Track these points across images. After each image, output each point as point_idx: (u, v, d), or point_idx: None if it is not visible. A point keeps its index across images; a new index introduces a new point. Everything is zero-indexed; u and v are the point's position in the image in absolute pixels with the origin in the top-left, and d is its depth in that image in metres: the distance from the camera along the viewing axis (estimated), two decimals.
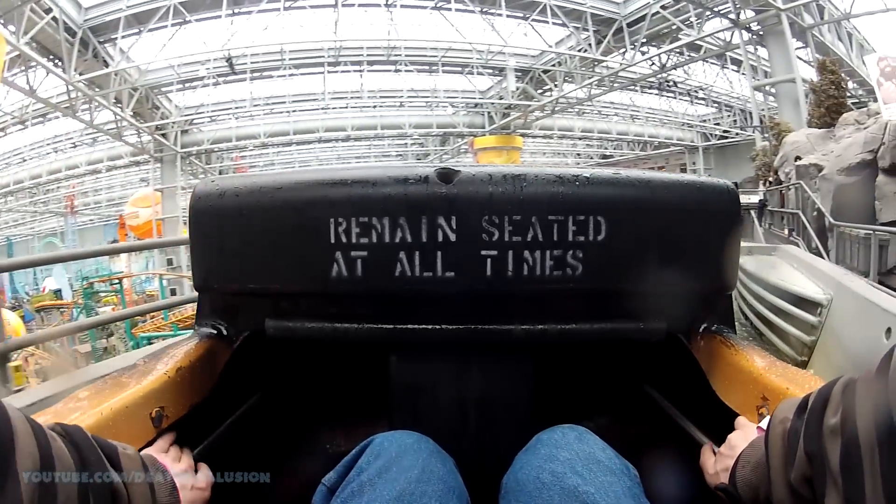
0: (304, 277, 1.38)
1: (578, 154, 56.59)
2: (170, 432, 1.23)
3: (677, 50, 36.10)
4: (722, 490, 1.03)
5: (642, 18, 33.92)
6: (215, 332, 1.51)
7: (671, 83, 42.36)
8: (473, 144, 45.43)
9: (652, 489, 1.08)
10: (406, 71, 39.96)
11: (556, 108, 42.78)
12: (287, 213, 1.35)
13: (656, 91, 45.69)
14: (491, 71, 42.17)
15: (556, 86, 39.81)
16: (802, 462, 0.78)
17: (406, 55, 38.09)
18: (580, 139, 52.31)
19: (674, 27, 33.55)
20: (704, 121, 50.29)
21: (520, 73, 41.91)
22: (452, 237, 1.31)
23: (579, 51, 35.47)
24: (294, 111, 41.68)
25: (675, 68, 39.27)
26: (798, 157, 17.98)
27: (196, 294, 1.55)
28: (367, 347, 1.55)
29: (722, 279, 1.45)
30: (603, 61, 37.03)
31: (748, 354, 1.34)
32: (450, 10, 33.25)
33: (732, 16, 28.52)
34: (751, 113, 40.12)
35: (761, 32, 28.68)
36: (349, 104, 41.38)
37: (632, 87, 43.72)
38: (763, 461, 0.91)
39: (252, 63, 35.68)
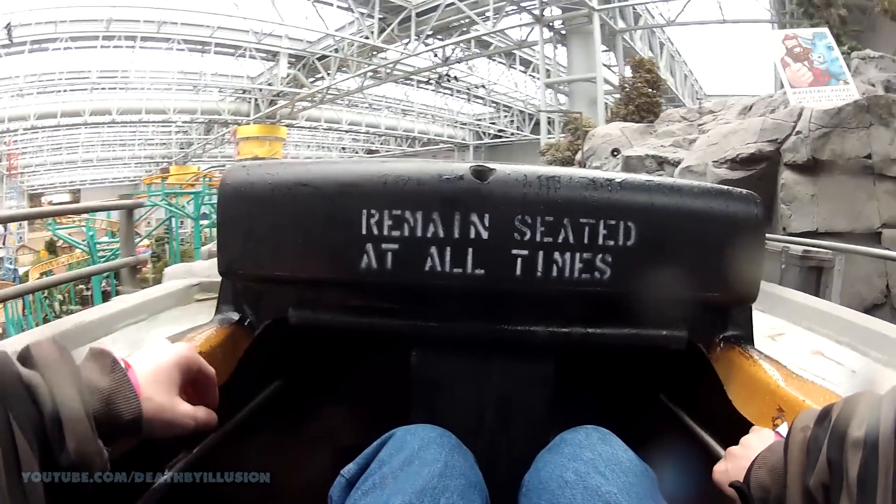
0: (332, 267, 1.34)
1: (344, 147, 56.68)
2: None
3: (464, 44, 37.10)
4: (736, 488, 0.99)
5: (434, 9, 34.41)
6: (237, 318, 1.48)
7: (451, 78, 42.41)
8: (236, 134, 44.73)
9: (667, 495, 1.07)
10: (178, 49, 38.43)
11: (326, 98, 42.64)
12: (319, 202, 1.31)
13: (433, 87, 46.39)
14: (264, 55, 41.19)
15: (328, 74, 39.49)
16: (823, 469, 0.77)
17: (179, 32, 36.65)
18: (346, 132, 52.53)
19: (466, 20, 34.31)
20: (480, 119, 51.95)
21: (293, 59, 41.44)
22: (484, 235, 1.28)
23: (361, 37, 35.48)
24: (65, 90, 39.33)
25: (458, 62, 40.23)
26: (616, 150, 17.52)
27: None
28: (390, 341, 1.53)
29: (745, 290, 1.42)
30: (383, 50, 37.29)
31: (766, 366, 1.33)
32: None
33: (536, 11, 29.53)
34: (529, 114, 40.85)
35: (563, 32, 29.96)
36: (118, 84, 39.67)
37: (408, 81, 44.54)
38: (779, 465, 0.90)
39: (25, 36, 33.44)
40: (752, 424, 1.22)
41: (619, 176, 1.34)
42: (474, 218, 1.28)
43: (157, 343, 1.00)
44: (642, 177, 1.39)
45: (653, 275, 1.31)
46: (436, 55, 38.56)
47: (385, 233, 1.28)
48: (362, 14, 35.20)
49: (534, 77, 43.82)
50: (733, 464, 1.05)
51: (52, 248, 38.05)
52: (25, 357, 0.74)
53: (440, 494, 0.94)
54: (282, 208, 1.33)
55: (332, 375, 1.84)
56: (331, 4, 34.21)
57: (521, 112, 48.53)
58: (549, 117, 30.82)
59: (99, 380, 0.80)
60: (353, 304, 1.48)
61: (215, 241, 1.46)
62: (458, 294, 1.37)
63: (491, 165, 1.31)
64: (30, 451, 0.66)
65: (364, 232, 1.28)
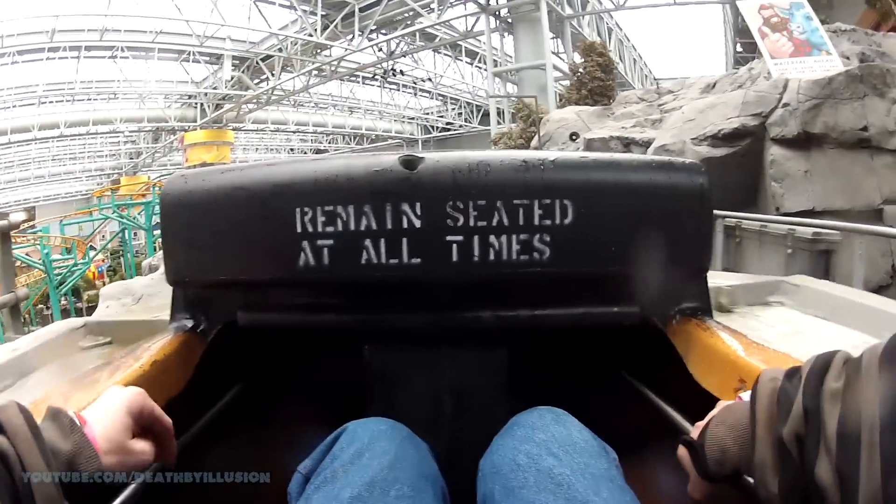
0: (272, 267, 1.35)
1: (292, 149, 55.47)
2: None
3: (409, 37, 36.54)
4: (687, 443, 0.96)
5: (377, 2, 33.64)
6: (190, 324, 1.46)
7: (396, 73, 41.79)
8: (183, 140, 43.66)
9: (631, 473, 1.06)
10: (122, 57, 37.53)
11: (272, 99, 41.77)
12: (253, 204, 1.31)
13: (378, 83, 45.90)
14: (208, 58, 40.17)
15: (273, 75, 38.68)
16: (798, 418, 0.74)
17: (122, 39, 35.70)
18: (294, 132, 51.84)
19: (410, 13, 33.73)
20: (428, 113, 51.51)
21: (237, 61, 40.36)
22: (417, 223, 1.27)
23: (304, 35, 34.75)
24: (11, 106, 38.56)
25: (403, 55, 39.69)
26: (575, 134, 16.42)
27: None
28: (341, 337, 1.57)
29: (695, 260, 1.42)
30: (327, 46, 36.49)
31: (725, 337, 1.32)
32: None
33: (482, 0, 28.75)
34: (477, 106, 39.75)
35: (510, 20, 29.25)
36: (64, 97, 38.94)
37: (354, 78, 43.85)
38: (741, 421, 0.86)
39: None
40: (715, 397, 1.19)
41: (552, 154, 1.31)
42: (405, 207, 1.26)
43: (109, 391, 0.98)
44: (576, 154, 1.39)
45: (594, 251, 1.30)
46: (380, 49, 37.89)
47: (319, 229, 1.27)
48: (305, 12, 34.37)
49: (480, 68, 43.55)
50: (694, 432, 1.00)
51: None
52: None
53: (390, 486, 0.93)
54: (220, 213, 1.32)
55: (290, 376, 1.81)
56: (273, 3, 33.50)
57: (469, 104, 48.01)
58: (498, 107, 29.97)
59: (61, 443, 0.81)
60: (299, 302, 1.48)
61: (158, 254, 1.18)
62: (399, 285, 1.34)
63: (420, 154, 1.29)
64: None
65: (299, 230, 1.27)
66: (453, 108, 49.53)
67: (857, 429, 0.65)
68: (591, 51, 23.35)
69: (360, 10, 34.00)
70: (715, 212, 7.92)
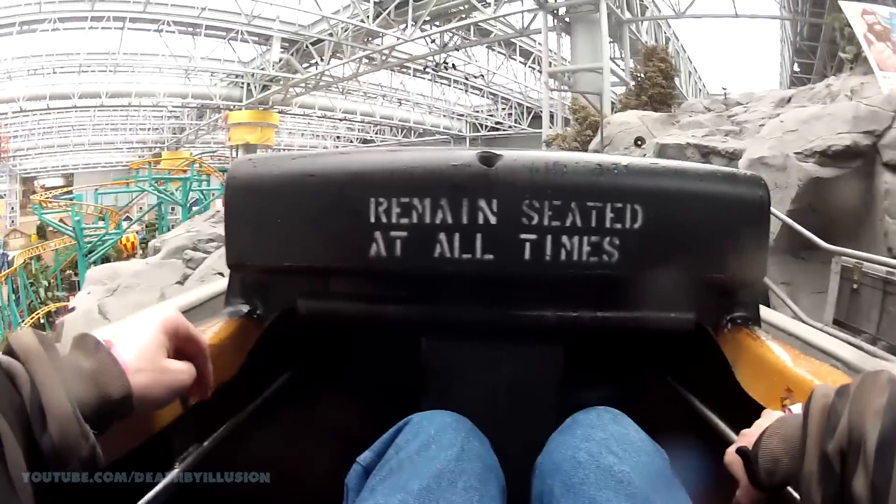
0: (342, 256, 1.33)
1: (338, 136, 54.19)
2: (195, 410, 1.13)
3: (463, 31, 34.79)
4: (743, 454, 0.94)
5: None
6: (246, 310, 1.45)
7: (448, 66, 40.34)
8: (227, 119, 42.41)
9: (677, 477, 1.05)
10: (167, 32, 36.27)
11: (320, 84, 40.46)
12: (327, 191, 1.30)
13: (429, 76, 44.36)
14: (256, 38, 38.83)
15: (322, 60, 37.14)
16: (843, 434, 0.73)
17: (168, 13, 34.66)
18: (341, 120, 49.99)
19: (465, 6, 32.00)
20: (478, 111, 49.72)
21: (286, 44, 38.89)
22: (493, 220, 1.27)
23: (356, 20, 33.10)
24: (53, 72, 37.77)
25: (456, 49, 37.98)
26: (640, 139, 15.23)
27: None
28: (400, 329, 1.50)
29: (750, 271, 1.41)
30: (379, 34, 34.96)
31: (774, 347, 1.29)
32: None
33: None
34: (528, 107, 37.95)
35: (567, 20, 27.72)
36: (107, 67, 37.97)
37: (404, 69, 42.38)
38: (793, 434, 0.85)
39: (12, 17, 32.07)
40: (760, 406, 1.20)
41: (625, 160, 1.33)
42: (482, 203, 1.26)
43: (144, 312, 1.00)
44: (647, 160, 1.41)
45: (660, 257, 1.30)
46: (433, 41, 35.94)
47: (393, 220, 1.27)
48: None
49: (533, 69, 42.07)
50: (743, 440, 0.99)
51: (42, 232, 35.98)
52: (6, 349, 0.73)
53: (457, 478, 0.93)
54: (289, 199, 1.32)
55: (341, 365, 1.76)
56: None
57: (520, 105, 46.11)
58: (551, 111, 28.32)
59: (83, 362, 0.76)
60: (362, 292, 1.49)
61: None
62: (467, 280, 1.34)
63: (498, 151, 1.29)
64: (13, 438, 0.64)
65: (372, 220, 1.27)
66: (503, 108, 47.65)
67: (893, 444, 0.65)
68: (654, 55, 21.85)
69: None
70: (830, 247, 7.11)
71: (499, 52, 42.50)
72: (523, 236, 1.25)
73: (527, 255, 1.26)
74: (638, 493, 0.88)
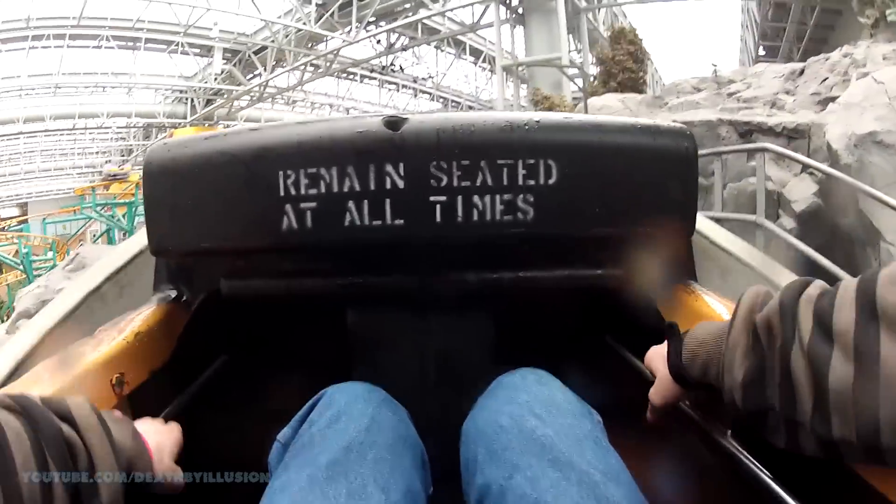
0: (255, 233, 1.29)
1: None
2: (130, 399, 1.17)
3: (411, 30, 32.06)
4: (669, 326, 1.03)
5: None
6: (173, 294, 1.43)
7: (395, 68, 38.41)
8: (171, 137, 37.38)
9: (613, 437, 1.01)
10: (107, 47, 33.70)
11: (265, 96, 37.54)
12: (236, 169, 1.25)
13: (377, 81, 41.91)
14: (198, 50, 35.98)
15: (265, 69, 34.32)
16: (773, 308, 0.76)
17: (107, 24, 31.89)
18: None
19: (412, 3, 29.37)
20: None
21: (229, 54, 36.30)
22: (401, 184, 1.22)
23: (297, 21, 30.35)
24: None
25: (403, 49, 35.56)
26: None
27: None
28: (325, 302, 1.53)
29: (681, 224, 1.34)
30: (322, 38, 32.39)
31: (710, 301, 1.28)
32: None
33: None
34: (479, 108, 35.47)
35: (521, 10, 24.71)
36: (50, 90, 35.62)
37: (351, 75, 39.78)
38: (722, 324, 0.88)
39: None
40: None
41: (538, 115, 1.26)
42: (389, 168, 1.21)
43: (159, 422, 1.03)
44: (561, 115, 1.37)
45: (578, 213, 1.26)
46: (378, 41, 33.26)
47: (302, 192, 1.22)
48: (299, 0, 29.80)
49: (483, 68, 40.06)
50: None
51: None
52: (65, 415, 0.76)
53: (367, 450, 0.89)
54: (203, 180, 1.27)
55: (275, 345, 1.73)
56: None
57: (471, 107, 42.91)
58: (509, 108, 25.06)
59: (126, 443, 0.83)
60: (282, 268, 1.44)
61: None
62: (382, 247, 1.30)
63: (404, 115, 1.25)
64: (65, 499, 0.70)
65: (282, 193, 1.22)
66: (454, 110, 44.08)
67: (830, 328, 0.66)
68: (622, 38, 19.32)
69: None
70: None
71: (447, 52, 39.91)
72: (433, 199, 1.20)
73: (438, 218, 1.21)
74: (561, 457, 0.83)
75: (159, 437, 0.95)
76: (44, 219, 29.79)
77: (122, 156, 44.34)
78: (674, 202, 1.28)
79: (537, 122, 1.23)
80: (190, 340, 1.38)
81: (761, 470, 0.92)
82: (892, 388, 0.60)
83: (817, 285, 0.73)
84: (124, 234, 27.48)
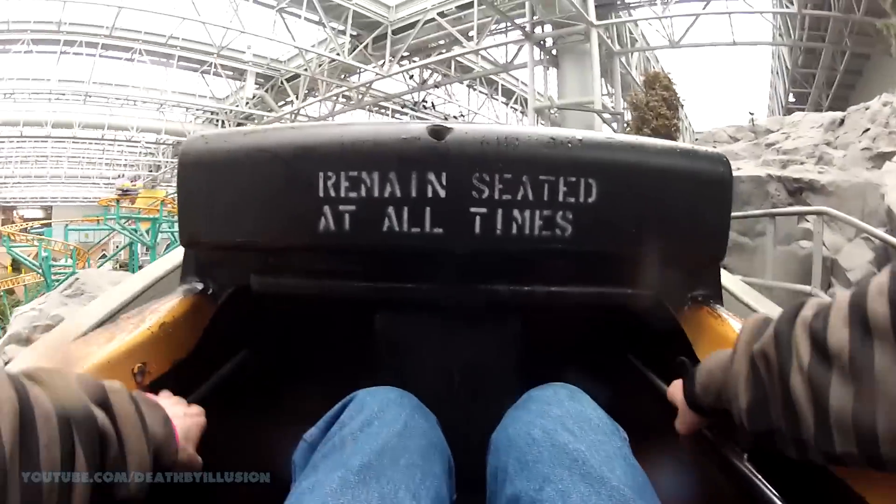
0: (290, 231, 1.28)
1: None
2: (150, 388, 1.14)
3: (444, 67, 31.67)
4: (681, 363, 1.07)
5: (412, 26, 28.82)
6: (200, 287, 1.39)
7: (427, 105, 37.41)
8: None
9: (636, 454, 0.99)
10: (139, 61, 33.39)
11: (295, 123, 35.54)
12: (275, 166, 1.24)
13: (408, 116, 40.12)
14: (231, 72, 35.69)
15: (297, 97, 34.14)
16: (768, 338, 0.76)
17: (140, 37, 31.73)
18: None
19: (446, 40, 29.14)
20: None
21: (261, 80, 36.09)
22: (442, 193, 1.21)
23: (331, 52, 29.90)
24: (28, 98, 35.35)
25: (436, 86, 34.99)
26: None
27: None
28: (354, 305, 1.49)
29: (712, 248, 1.36)
30: (356, 70, 32.09)
31: (735, 325, 1.24)
32: None
33: (527, 28, 24.13)
34: None
35: (554, 52, 24.41)
36: (80, 96, 35.25)
37: (382, 109, 38.49)
38: (727, 352, 0.89)
39: None
40: None
41: (580, 133, 1.25)
42: (431, 177, 1.20)
43: (184, 405, 1.03)
44: (603, 134, 1.34)
45: (615, 232, 1.26)
46: (411, 76, 32.76)
47: (342, 194, 1.21)
48: (334, 30, 29.32)
49: (516, 109, 39.27)
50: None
51: (17, 265, 32.58)
52: (101, 400, 0.76)
53: (400, 454, 0.88)
54: (240, 175, 1.26)
55: (299, 343, 1.69)
56: (298, 15, 28.44)
57: None
58: None
59: (158, 430, 0.84)
60: (315, 268, 1.42)
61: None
62: (418, 254, 1.29)
63: (449, 125, 1.23)
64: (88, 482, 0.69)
65: (321, 194, 1.21)
66: None
67: (826, 349, 0.66)
68: (656, 82, 18.79)
69: (394, 32, 29.13)
70: None
71: (480, 92, 39.40)
72: (473, 210, 1.19)
73: (477, 230, 1.20)
74: (592, 472, 0.82)
75: (186, 420, 0.95)
76: (66, 225, 29.77)
77: (150, 171, 44.54)
78: (707, 225, 1.27)
79: (580, 139, 1.21)
80: (214, 334, 1.33)
81: (775, 494, 0.90)
82: (888, 403, 0.61)
83: (812, 305, 0.73)
84: (147, 250, 27.40)
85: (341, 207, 1.19)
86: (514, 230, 1.19)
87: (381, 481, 0.80)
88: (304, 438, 0.96)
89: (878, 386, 0.60)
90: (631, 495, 0.77)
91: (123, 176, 38.43)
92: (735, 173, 5.65)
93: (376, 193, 1.18)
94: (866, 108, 11.23)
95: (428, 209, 1.19)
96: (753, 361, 0.78)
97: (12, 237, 26.85)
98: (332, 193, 1.18)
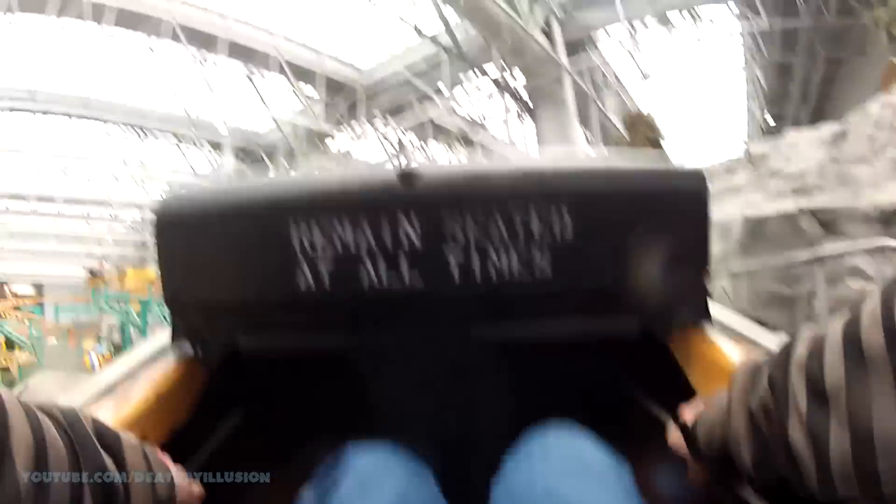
0: (269, 288, 1.24)
1: None
2: None
3: (417, 128, 30.97)
4: (681, 426, 0.98)
5: (385, 89, 28.91)
6: (190, 351, 1.35)
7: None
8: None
9: (640, 483, 0.97)
10: (113, 123, 33.21)
11: None
12: (249, 222, 1.21)
13: None
14: (208, 148, 35.50)
15: (277, 168, 33.76)
16: (764, 389, 0.72)
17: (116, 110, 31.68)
18: None
19: (418, 96, 28.22)
20: None
21: (242, 153, 35.43)
22: (417, 243, 1.17)
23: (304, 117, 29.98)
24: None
25: (413, 149, 34.37)
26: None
27: None
28: (342, 358, 1.45)
29: (696, 269, 1.29)
30: (331, 134, 31.49)
31: (723, 347, 1.21)
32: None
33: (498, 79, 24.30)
34: None
35: (530, 103, 24.33)
36: (60, 168, 35.31)
37: None
38: (723, 400, 0.85)
39: None
40: None
41: (551, 165, 1.25)
42: (405, 224, 1.16)
43: (184, 474, 0.98)
44: (574, 164, 1.31)
45: (595, 264, 1.21)
46: (386, 138, 32.47)
47: (318, 248, 1.17)
48: (308, 99, 29.43)
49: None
50: (688, 416, 1.00)
51: (11, 343, 31.65)
52: (116, 453, 0.75)
53: None
54: (216, 233, 1.22)
55: (293, 399, 1.66)
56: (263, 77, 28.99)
57: None
58: None
59: (161, 494, 0.82)
60: (298, 323, 1.38)
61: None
62: (399, 304, 1.25)
63: (417, 170, 1.17)
64: None
65: (297, 249, 1.17)
66: None
67: (824, 391, 0.62)
68: (640, 122, 18.13)
69: (368, 97, 29.10)
70: None
71: (457, 152, 38.16)
72: (450, 257, 1.14)
73: (456, 278, 1.15)
74: None
75: (184, 493, 0.92)
76: (56, 307, 29.12)
77: (136, 249, 42.71)
78: (689, 247, 1.22)
79: (552, 172, 1.19)
80: (209, 396, 1.31)
81: None
82: (887, 440, 0.58)
83: (805, 341, 0.67)
84: (138, 331, 26.51)
85: (317, 263, 1.14)
86: (493, 274, 1.14)
87: None
88: (301, 499, 0.92)
89: (875, 424, 0.57)
90: None
91: (91, 256, 37.88)
92: (752, 212, 4.53)
93: (351, 245, 1.13)
94: (868, 116, 9.85)
95: (404, 260, 1.13)
96: (752, 417, 0.74)
97: (3, 314, 25.89)
98: (308, 247, 1.13)
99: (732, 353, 1.15)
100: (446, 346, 1.38)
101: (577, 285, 1.20)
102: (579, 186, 1.18)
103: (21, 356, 22.32)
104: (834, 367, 0.60)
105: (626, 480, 0.89)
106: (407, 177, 1.13)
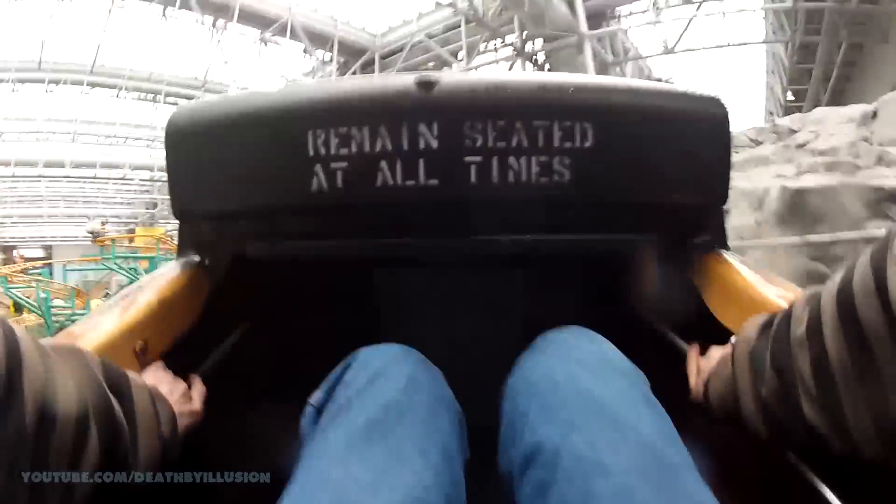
0: (283, 193, 1.23)
1: None
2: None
3: None
4: (699, 405, 1.01)
5: (400, 49, 27.58)
6: (197, 260, 1.35)
7: None
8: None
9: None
10: (126, 98, 32.65)
11: None
12: (263, 129, 1.19)
13: None
14: None
15: None
16: (772, 379, 0.74)
17: (126, 75, 30.72)
18: None
19: (434, 63, 27.22)
20: None
21: None
22: (434, 144, 1.15)
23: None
24: (15, 138, 34.05)
25: None
26: None
27: None
28: (352, 265, 1.49)
29: (714, 192, 1.29)
30: None
31: (742, 269, 1.21)
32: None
33: (517, 44, 23.15)
34: None
35: (548, 66, 23.26)
36: (71, 135, 34.41)
37: None
38: (731, 377, 0.87)
39: None
40: (730, 330, 1.13)
41: (573, 77, 1.19)
42: (422, 128, 1.14)
43: (182, 385, 1.01)
44: (597, 77, 1.27)
45: (615, 177, 1.20)
46: None
47: (333, 152, 1.16)
48: (319, 61, 28.73)
49: None
50: (701, 377, 1.02)
51: (18, 306, 31.19)
52: (124, 394, 0.76)
53: (406, 409, 0.85)
54: (228, 141, 1.21)
55: (299, 311, 1.60)
56: (277, 43, 27.99)
57: None
58: None
59: (164, 429, 0.84)
60: (311, 229, 1.37)
61: None
62: (414, 208, 1.24)
63: (436, 76, 1.16)
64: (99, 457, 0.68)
65: (312, 153, 1.16)
66: None
67: (829, 366, 0.63)
68: None
69: (382, 57, 28.10)
70: None
71: None
72: (468, 159, 1.13)
73: (473, 179, 1.14)
74: (620, 419, 0.77)
75: (188, 420, 0.94)
76: (64, 266, 28.08)
77: (147, 209, 43.23)
78: (707, 168, 1.21)
79: (572, 83, 1.16)
80: (214, 307, 1.29)
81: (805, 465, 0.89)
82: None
83: (800, 314, 0.69)
84: None
85: (333, 165, 1.13)
86: (511, 177, 1.12)
87: (387, 438, 0.77)
88: (310, 403, 0.92)
89: (890, 395, 0.58)
90: (660, 443, 0.74)
91: (105, 221, 37.34)
92: (799, 184, 3.89)
93: (367, 149, 1.12)
94: None
95: (421, 161, 1.12)
96: (765, 405, 0.74)
97: (10, 278, 25.11)
98: (323, 151, 1.12)
99: (750, 277, 1.12)
100: (460, 252, 1.34)
101: (596, 197, 1.17)
102: (602, 99, 1.14)
103: (29, 318, 22.14)
104: (836, 344, 0.61)
105: (645, 384, 0.86)
106: (425, 83, 1.10)
